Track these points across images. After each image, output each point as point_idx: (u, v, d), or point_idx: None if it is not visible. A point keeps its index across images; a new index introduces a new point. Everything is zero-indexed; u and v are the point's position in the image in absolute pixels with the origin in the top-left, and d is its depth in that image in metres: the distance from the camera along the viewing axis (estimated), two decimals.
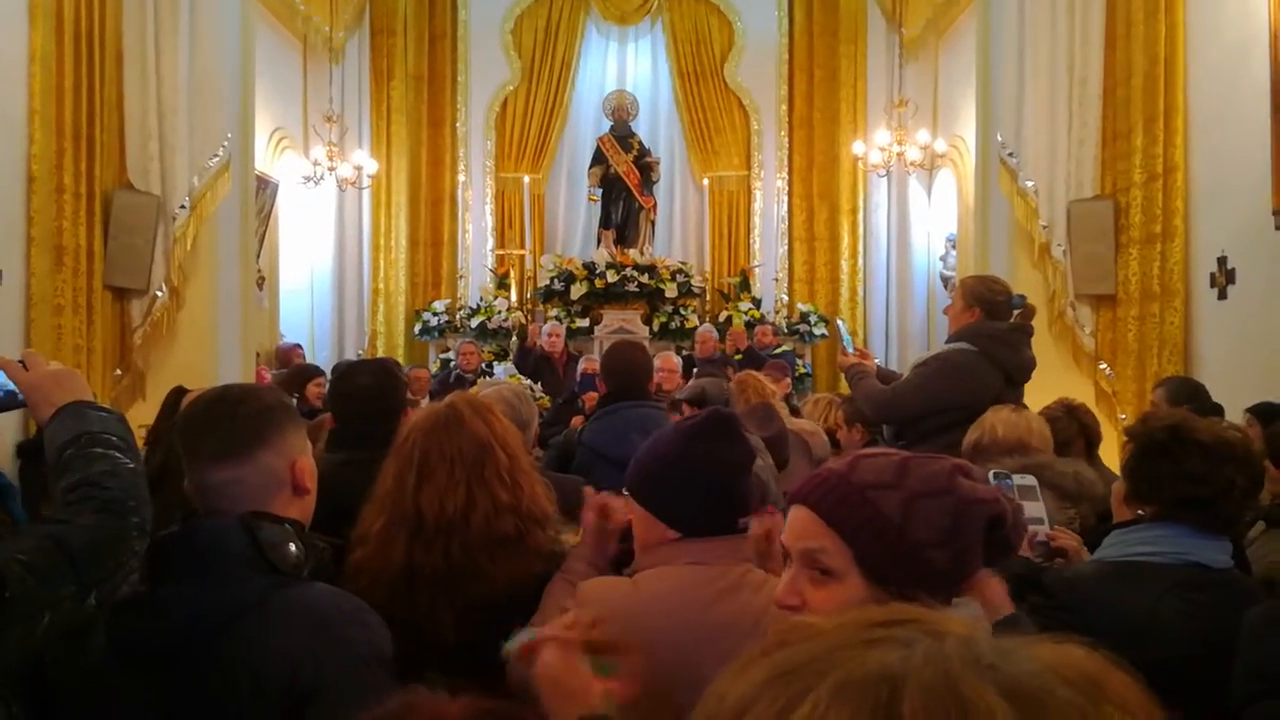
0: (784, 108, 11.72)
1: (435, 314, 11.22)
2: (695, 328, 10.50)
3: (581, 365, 8.12)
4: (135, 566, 1.55)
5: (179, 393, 3.24)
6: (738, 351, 9.49)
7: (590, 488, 2.39)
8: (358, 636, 1.57)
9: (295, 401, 5.54)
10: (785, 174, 11.74)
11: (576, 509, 2.31)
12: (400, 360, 10.05)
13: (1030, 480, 2.37)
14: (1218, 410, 4.35)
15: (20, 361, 1.71)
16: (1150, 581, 2.07)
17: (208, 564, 1.56)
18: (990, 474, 2.26)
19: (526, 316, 10.80)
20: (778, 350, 10.19)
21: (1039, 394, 4.12)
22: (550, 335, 9.24)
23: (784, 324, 11.24)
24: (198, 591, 1.53)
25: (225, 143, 6.77)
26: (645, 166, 11.42)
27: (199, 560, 1.56)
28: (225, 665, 1.49)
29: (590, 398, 6.28)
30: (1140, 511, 2.20)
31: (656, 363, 7.51)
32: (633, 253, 11.12)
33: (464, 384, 8.12)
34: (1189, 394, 4.46)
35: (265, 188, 9.10)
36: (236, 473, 1.62)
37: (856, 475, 1.23)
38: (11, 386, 1.69)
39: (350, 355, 10.80)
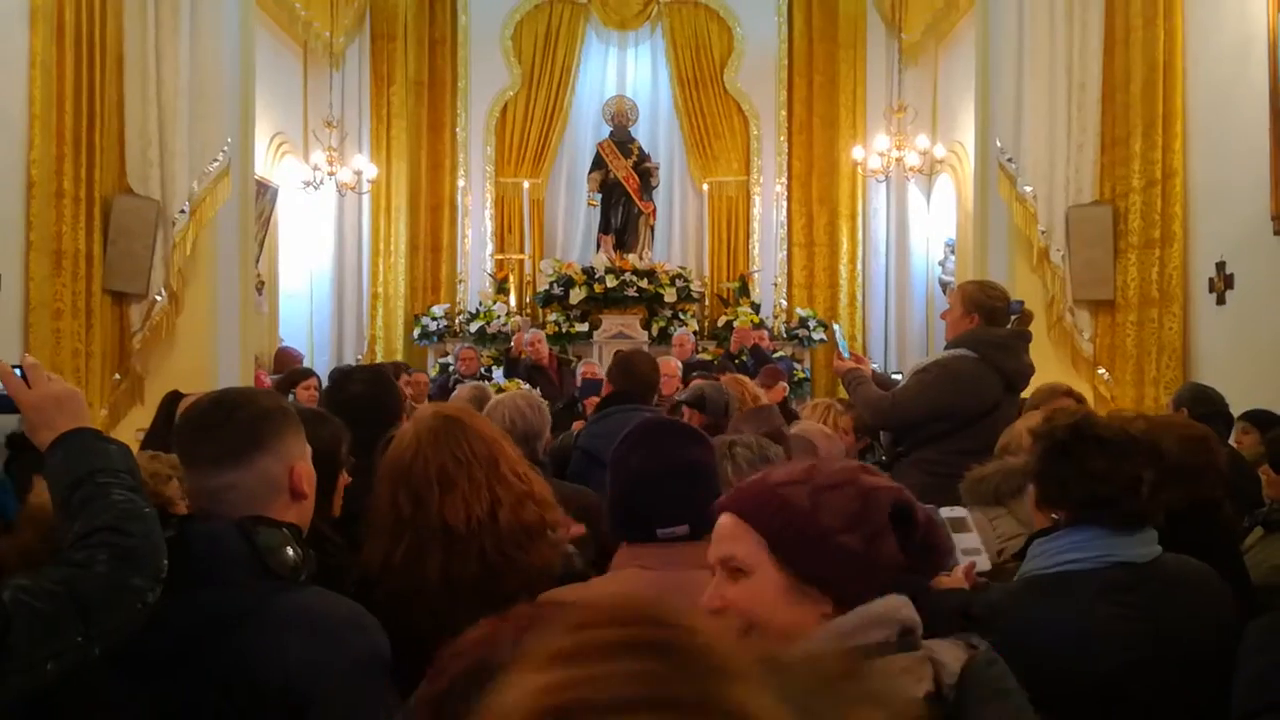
0: (783, 113, 11.73)
1: (434, 319, 11.21)
2: (695, 332, 10.52)
3: (580, 370, 8.11)
4: (146, 616, 1.48)
5: (174, 397, 3.24)
6: (742, 351, 9.49)
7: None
8: (355, 641, 1.56)
9: None
10: (784, 179, 11.75)
11: (590, 523, 2.36)
12: (407, 364, 10.03)
13: (960, 513, 2.36)
14: (1227, 418, 4.34)
15: (18, 368, 1.65)
16: (1076, 591, 1.98)
17: (205, 568, 1.55)
18: None
19: (524, 321, 10.80)
20: (775, 355, 10.19)
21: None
22: (532, 344, 9.20)
23: (783, 329, 11.24)
24: (194, 596, 1.53)
25: (225, 148, 6.78)
26: (645, 172, 11.43)
27: (196, 565, 1.55)
28: (222, 670, 1.49)
29: (592, 402, 6.27)
30: (1054, 516, 2.12)
31: None
32: (632, 258, 11.12)
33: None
34: (1202, 400, 4.45)
35: (265, 192, 9.10)
36: (234, 477, 1.61)
37: (770, 478, 1.34)
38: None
39: (349, 360, 10.79)
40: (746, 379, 5.04)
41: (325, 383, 6.99)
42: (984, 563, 2.31)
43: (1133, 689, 1.38)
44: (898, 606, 1.24)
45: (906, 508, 1.29)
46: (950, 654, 1.27)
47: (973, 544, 2.34)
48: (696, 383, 4.44)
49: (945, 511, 2.34)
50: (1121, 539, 2.00)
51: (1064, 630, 1.93)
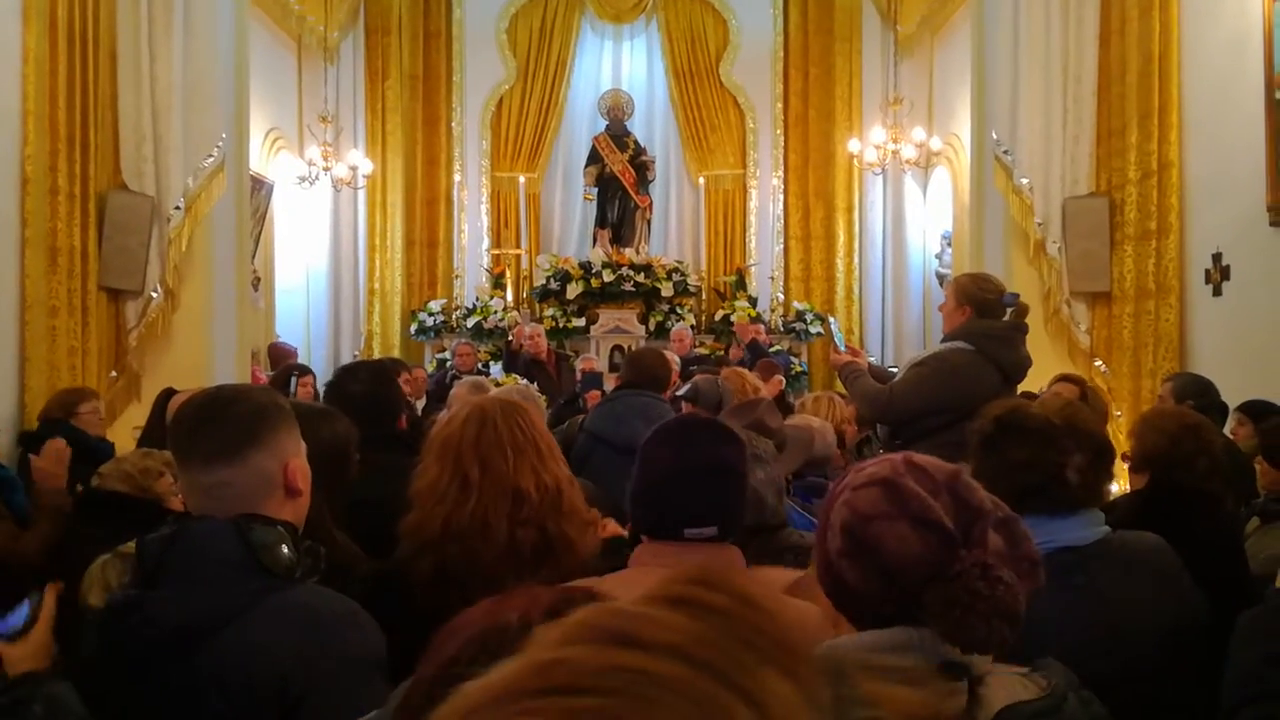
0: (779, 106, 11.72)
1: (431, 314, 11.20)
2: (692, 326, 10.52)
3: (580, 364, 8.11)
4: None
5: (169, 394, 3.24)
6: (740, 346, 9.48)
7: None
8: (350, 638, 1.55)
9: None
10: (781, 172, 11.74)
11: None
12: (404, 360, 10.03)
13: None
14: (1223, 408, 4.35)
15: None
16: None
17: (199, 566, 1.54)
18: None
19: (522, 316, 10.80)
20: (772, 349, 10.19)
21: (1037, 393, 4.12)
22: (531, 338, 9.20)
23: (780, 322, 11.24)
24: (189, 594, 1.52)
25: (220, 143, 6.76)
26: (641, 165, 11.42)
27: (190, 563, 1.55)
28: (217, 668, 1.48)
29: (593, 396, 6.28)
30: None
31: None
32: (629, 252, 11.12)
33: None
34: (1197, 390, 4.46)
35: (260, 188, 9.08)
36: (228, 474, 1.61)
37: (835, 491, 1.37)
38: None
39: (346, 356, 10.79)
40: (746, 372, 5.04)
41: (322, 378, 7.00)
42: None
43: (1090, 669, 1.39)
44: (905, 640, 1.19)
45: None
46: (1004, 690, 1.20)
47: None
48: (695, 378, 4.45)
49: None
50: (1059, 523, 2.01)
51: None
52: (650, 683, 0.47)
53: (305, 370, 6.60)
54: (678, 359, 7.72)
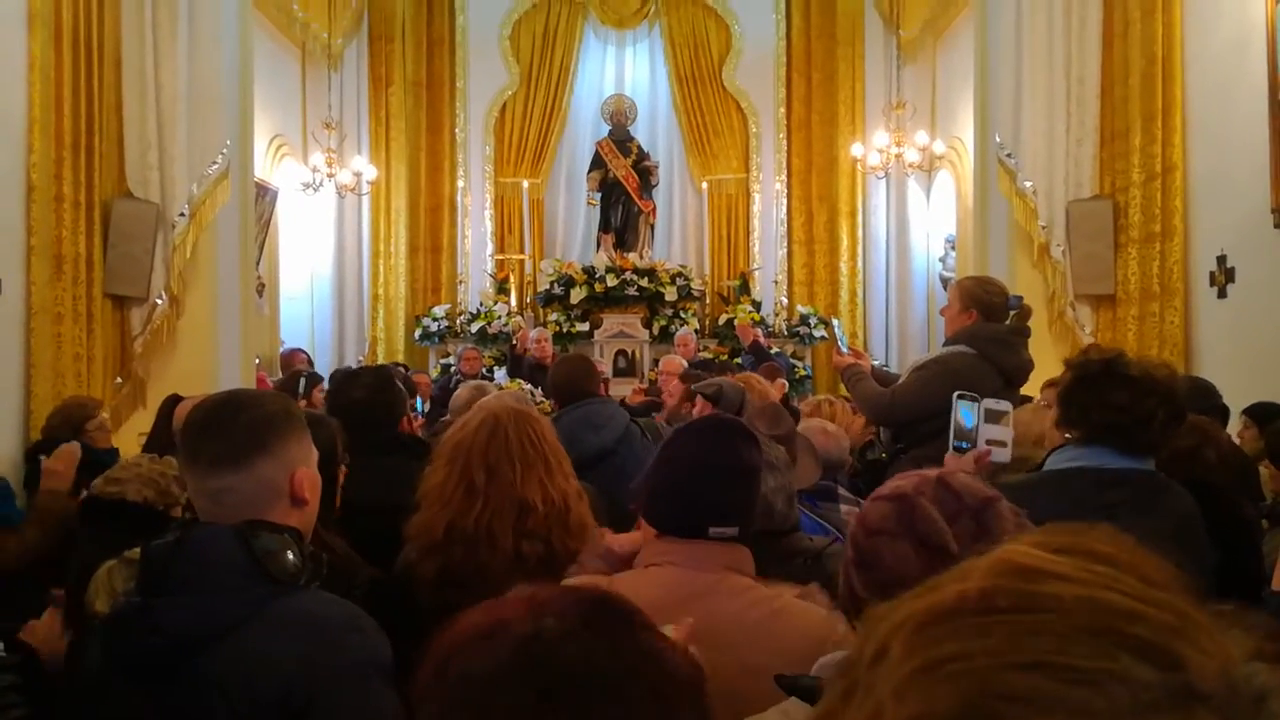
0: (782, 110, 11.73)
1: (435, 319, 11.22)
2: (696, 330, 10.51)
3: None
4: None
5: (174, 401, 3.25)
6: (742, 349, 9.49)
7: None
8: (354, 644, 1.55)
9: None
10: (784, 177, 11.75)
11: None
12: (407, 365, 10.05)
13: (1004, 405, 2.52)
14: (1224, 411, 4.33)
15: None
16: (1073, 486, 2.26)
17: (203, 573, 1.54)
18: (955, 395, 2.51)
19: (526, 321, 10.81)
20: (773, 353, 10.19)
21: (1037, 395, 4.11)
22: (538, 342, 9.21)
23: (783, 326, 11.24)
24: (193, 601, 1.52)
25: (224, 150, 6.78)
26: (644, 170, 11.43)
27: (194, 569, 1.54)
28: (221, 675, 1.48)
29: None
30: (1068, 435, 2.40)
31: (660, 365, 7.59)
32: (632, 256, 11.13)
33: None
34: (1199, 393, 4.43)
35: (264, 195, 9.10)
36: (233, 480, 1.60)
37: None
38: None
39: (350, 361, 10.80)
40: (759, 378, 5.05)
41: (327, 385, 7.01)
42: (1003, 455, 2.47)
43: None
44: None
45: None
46: None
47: (1000, 435, 2.49)
48: (718, 378, 4.46)
49: (989, 402, 2.51)
50: (1123, 458, 2.28)
51: (1055, 514, 2.03)
52: (1075, 602, 0.54)
53: (317, 378, 6.61)
54: (684, 362, 7.72)
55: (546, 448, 2.11)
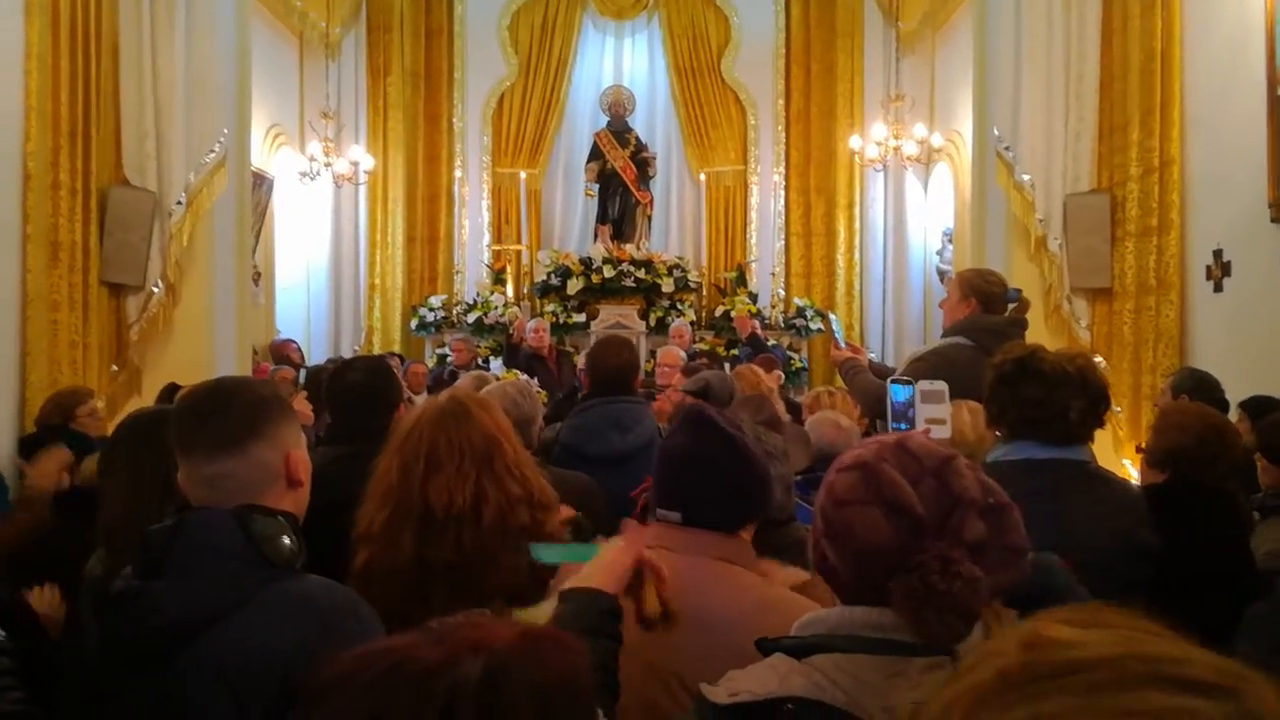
0: (781, 103, 11.72)
1: (432, 309, 11.22)
2: (692, 322, 10.52)
3: (581, 361, 8.07)
4: None
5: (172, 389, 3.25)
6: (738, 341, 9.50)
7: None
8: (351, 629, 1.55)
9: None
10: (782, 169, 11.74)
11: (586, 508, 2.36)
12: (402, 354, 10.06)
13: (940, 386, 2.55)
14: (1224, 404, 4.34)
15: None
16: (1004, 478, 2.20)
17: (200, 557, 1.55)
18: (889, 381, 2.57)
19: (522, 311, 10.81)
20: (769, 343, 10.21)
21: None
22: (535, 332, 9.22)
23: (780, 319, 11.25)
24: (190, 585, 1.53)
25: (221, 139, 6.77)
26: (642, 162, 11.42)
27: (191, 553, 1.56)
28: (219, 659, 1.49)
29: None
30: (997, 434, 2.50)
31: (658, 357, 7.58)
32: (629, 248, 11.12)
33: (457, 379, 8.12)
34: (1200, 386, 4.45)
35: (261, 184, 9.09)
36: (230, 465, 1.62)
37: None
38: None
39: (347, 351, 10.81)
40: (761, 370, 5.07)
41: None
42: (943, 432, 2.46)
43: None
44: (878, 620, 1.23)
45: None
46: None
47: (938, 414, 2.50)
48: (703, 373, 4.46)
49: (924, 384, 2.54)
50: (1044, 449, 2.34)
51: None
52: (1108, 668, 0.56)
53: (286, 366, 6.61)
54: (682, 354, 7.73)
55: (469, 446, 1.98)
